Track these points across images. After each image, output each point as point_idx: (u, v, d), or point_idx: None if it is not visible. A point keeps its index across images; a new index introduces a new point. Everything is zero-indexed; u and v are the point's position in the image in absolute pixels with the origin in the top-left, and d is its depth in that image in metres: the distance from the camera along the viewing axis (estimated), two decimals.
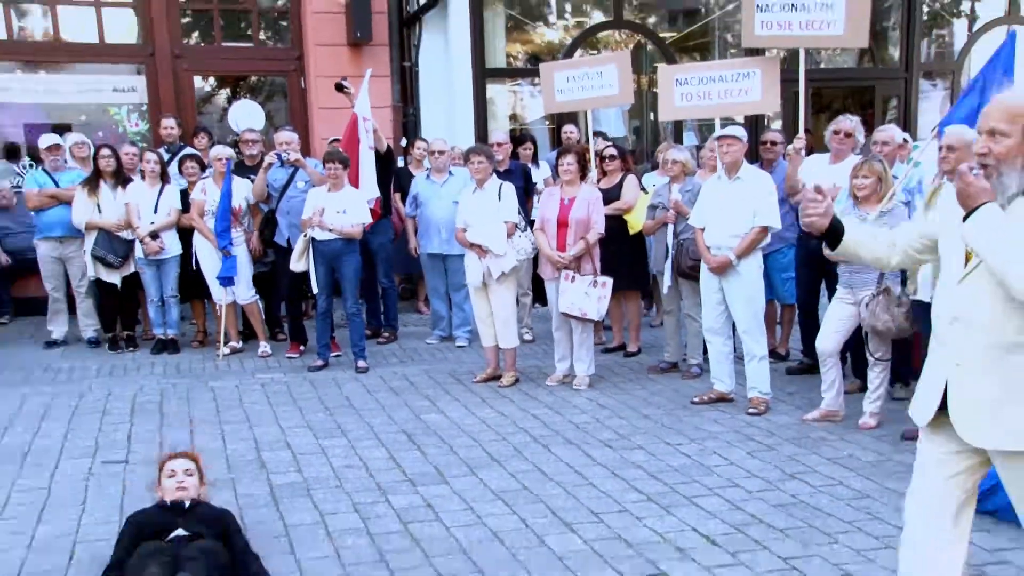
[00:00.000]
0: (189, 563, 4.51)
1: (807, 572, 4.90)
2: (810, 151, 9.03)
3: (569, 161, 8.59)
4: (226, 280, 9.92)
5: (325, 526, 5.63)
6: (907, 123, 14.12)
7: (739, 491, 6.04)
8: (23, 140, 12.69)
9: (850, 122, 8.49)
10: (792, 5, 8.69)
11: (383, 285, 10.79)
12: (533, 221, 9.08)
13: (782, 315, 9.48)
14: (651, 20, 14.28)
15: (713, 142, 8.23)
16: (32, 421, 7.91)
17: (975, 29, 15.54)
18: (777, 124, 13.41)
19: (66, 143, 11.04)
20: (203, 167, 10.36)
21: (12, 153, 12.57)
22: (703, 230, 7.87)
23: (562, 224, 8.52)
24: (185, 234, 10.20)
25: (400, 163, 11.39)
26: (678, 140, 13.07)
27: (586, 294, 8.37)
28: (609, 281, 8.43)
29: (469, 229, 8.73)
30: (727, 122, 9.27)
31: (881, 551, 5.13)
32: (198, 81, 13.38)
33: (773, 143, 9.25)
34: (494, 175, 8.93)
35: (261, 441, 7.30)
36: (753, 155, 9.59)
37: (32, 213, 10.72)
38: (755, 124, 12.48)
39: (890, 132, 8.45)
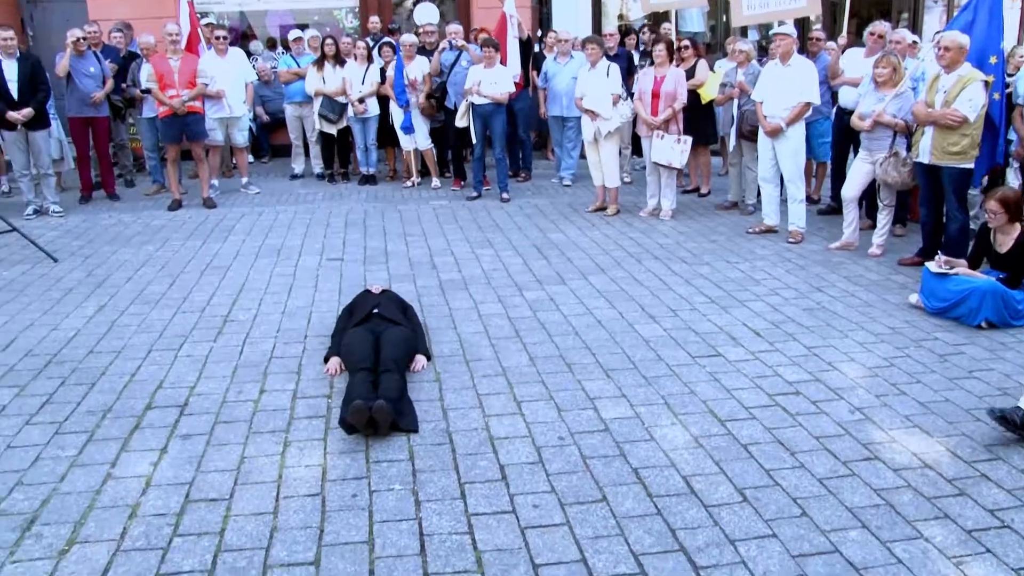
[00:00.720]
0: (385, 334, 4.51)
1: (823, 356, 4.71)
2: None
3: (660, 48, 8.10)
4: (407, 128, 9.72)
5: (477, 310, 5.58)
6: (915, 29, 12.99)
7: (778, 298, 5.77)
8: (278, 35, 12.46)
9: (883, 26, 7.77)
10: None
11: (521, 138, 10.47)
12: (633, 93, 8.62)
13: (817, 170, 8.94)
14: None
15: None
16: (282, 229, 7.98)
17: None
18: (819, 25, 12.44)
19: (305, 36, 10.90)
20: (395, 51, 10.07)
21: (271, 44, 12.41)
22: (762, 103, 7.36)
23: (655, 95, 8.07)
24: (383, 100, 9.97)
25: (536, 48, 10.89)
26: (744, 35, 12.30)
27: (671, 148, 7.98)
28: (689, 139, 8.01)
29: (584, 98, 8.34)
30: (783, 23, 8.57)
31: (879, 344, 4.89)
32: None
33: (817, 39, 8.53)
34: (604, 58, 8.47)
35: (433, 248, 7.23)
36: (802, 47, 8.89)
37: (283, 85, 10.63)
38: (804, 24, 11.59)
39: (902, 34, 7.81)
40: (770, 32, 7.55)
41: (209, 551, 2.97)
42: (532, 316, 5.43)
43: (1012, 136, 6.95)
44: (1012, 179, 7.16)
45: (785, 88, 7.14)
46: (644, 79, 8.27)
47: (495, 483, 3.38)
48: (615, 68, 8.40)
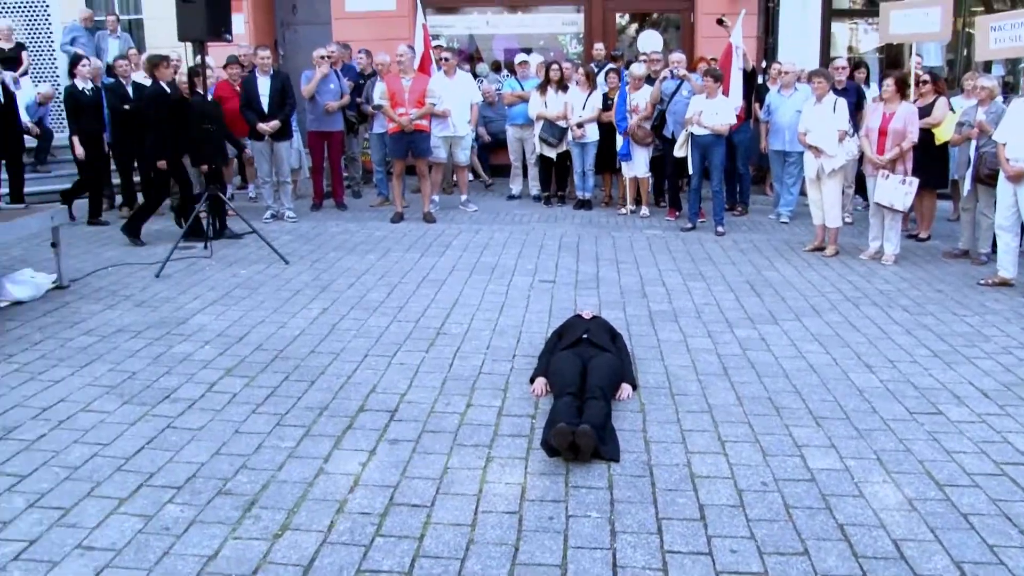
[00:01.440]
0: (594, 361, 4.60)
1: None
2: None
3: (889, 83, 7.72)
4: (624, 155, 9.82)
5: (686, 344, 5.56)
6: None
7: (1011, 358, 5.33)
8: (503, 58, 12.99)
9: None
10: None
11: (740, 171, 10.31)
12: (859, 129, 8.28)
13: None
14: None
15: None
16: (497, 248, 8.30)
17: None
18: None
19: (530, 60, 11.28)
20: (619, 78, 10.21)
21: (496, 67, 12.94)
22: (1005, 145, 6.85)
23: (882, 133, 7.71)
24: (604, 126, 10.10)
25: (759, 79, 10.69)
26: (987, 70, 11.47)
27: (895, 189, 7.57)
28: (915, 181, 7.57)
29: (809, 133, 8.09)
30: None
31: None
32: (618, 17, 13.07)
33: None
34: (831, 91, 8.20)
35: (644, 277, 7.26)
36: None
37: (506, 107, 11.04)
38: None
39: None
40: (1019, 67, 7.01)
41: (408, 554, 3.14)
42: (742, 354, 5.34)
43: None
44: None
45: None
46: (872, 115, 7.93)
47: (693, 522, 3.37)
48: (842, 103, 8.11)
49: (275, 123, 9.22)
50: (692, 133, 8.97)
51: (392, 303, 6.41)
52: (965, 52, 12.56)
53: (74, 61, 10.16)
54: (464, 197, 10.42)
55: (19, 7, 12.96)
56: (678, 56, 9.85)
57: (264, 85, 9.28)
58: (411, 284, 6.97)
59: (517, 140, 10.92)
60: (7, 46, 11.13)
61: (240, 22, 11.91)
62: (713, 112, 8.82)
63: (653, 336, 5.70)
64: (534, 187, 11.00)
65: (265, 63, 9.35)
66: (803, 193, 9.27)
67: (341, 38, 11.58)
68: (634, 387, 4.71)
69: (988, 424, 4.32)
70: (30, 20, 13.28)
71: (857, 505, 3.50)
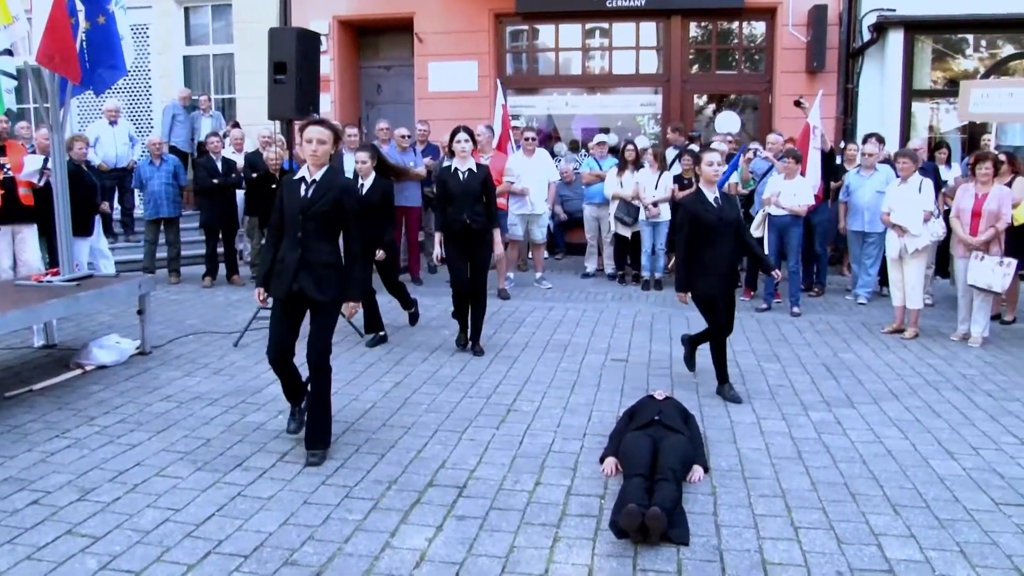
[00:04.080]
0: (665, 442, 4.58)
1: None
2: None
3: (987, 164, 7.70)
4: None
5: (759, 426, 5.50)
6: None
7: None
8: (580, 137, 13.26)
9: None
10: None
11: (817, 251, 10.21)
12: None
13: None
14: None
15: None
16: (571, 325, 8.37)
17: None
18: None
19: (609, 141, 11.51)
20: (694, 159, 10.31)
21: (574, 146, 13.20)
22: None
23: (975, 214, 7.69)
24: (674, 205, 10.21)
25: (838, 160, 10.66)
26: None
27: (992, 271, 7.49)
28: (1014, 262, 7.50)
29: (893, 213, 8.04)
30: None
31: None
32: (696, 98, 13.25)
33: None
34: (916, 172, 8.15)
35: None
36: None
37: (583, 186, 11.23)
38: None
39: None
40: None
41: None
42: (816, 438, 5.26)
43: None
44: None
45: None
46: (964, 196, 7.85)
47: None
48: (928, 183, 8.10)
49: None
50: (769, 213, 8.98)
51: (464, 379, 6.51)
52: None
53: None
54: (539, 274, 10.55)
55: (124, 88, 13.83)
56: (774, 137, 10.00)
57: (349, 162, 9.66)
58: (484, 360, 7.06)
59: (594, 219, 11.06)
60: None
61: (327, 101, 12.49)
62: (791, 193, 8.85)
63: (727, 418, 5.65)
64: (609, 265, 11.09)
65: (352, 141, 9.76)
66: (881, 276, 9.14)
67: (423, 117, 12.01)
68: (706, 470, 4.68)
69: None
70: (132, 99, 14.18)
71: None
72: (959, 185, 8.36)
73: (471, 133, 7.17)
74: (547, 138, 13.29)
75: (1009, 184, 8.32)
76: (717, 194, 5.99)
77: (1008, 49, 12.19)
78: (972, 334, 7.75)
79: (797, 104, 9.94)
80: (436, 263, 7.33)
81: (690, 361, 6.54)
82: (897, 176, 8.29)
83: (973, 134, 11.65)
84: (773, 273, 6.84)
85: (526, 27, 13.30)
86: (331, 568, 3.61)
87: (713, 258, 5.92)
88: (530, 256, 11.29)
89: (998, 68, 11.98)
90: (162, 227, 10.59)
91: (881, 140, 9.77)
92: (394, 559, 3.70)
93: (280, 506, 4.22)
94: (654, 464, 4.36)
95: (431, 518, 4.11)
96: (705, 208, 5.90)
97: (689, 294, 6.05)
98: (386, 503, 4.26)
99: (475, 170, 7.09)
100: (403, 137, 10.30)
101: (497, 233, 7.25)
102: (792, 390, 6.30)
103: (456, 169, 7.09)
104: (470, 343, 7.31)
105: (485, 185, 7.07)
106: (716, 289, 5.97)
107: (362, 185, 7.27)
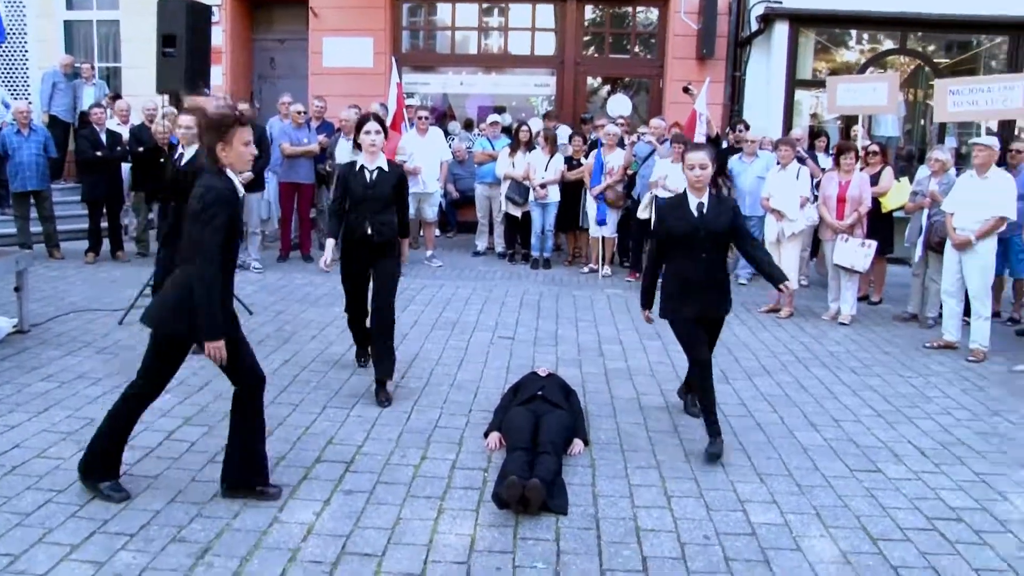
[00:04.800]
0: (547, 417, 4.75)
1: (993, 485, 4.53)
2: None
3: (850, 156, 8.25)
4: (601, 220, 10.10)
5: (639, 401, 5.74)
6: None
7: (950, 418, 5.58)
8: (476, 117, 13.36)
9: None
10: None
11: None
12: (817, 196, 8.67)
13: (1014, 286, 8.57)
14: (930, 48, 12.99)
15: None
16: (460, 303, 8.46)
17: None
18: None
19: (502, 121, 11.61)
20: (585, 141, 10.57)
21: (468, 125, 13.26)
22: (952, 215, 7.20)
23: (840, 200, 8.19)
24: (566, 186, 10.41)
25: (724, 145, 11.06)
26: (940, 141, 12.00)
27: (855, 251, 8.01)
28: (874, 243, 8.04)
29: (772, 198, 8.46)
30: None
31: (997, 477, 4.66)
32: (589, 80, 13.50)
33: (1018, 151, 8.24)
34: (795, 159, 8.59)
35: (602, 336, 7.44)
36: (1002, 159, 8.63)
37: (476, 165, 11.32)
38: (1006, 137, 11.20)
39: None
40: (970, 142, 7.41)
41: None
42: (693, 413, 5.51)
43: None
44: None
45: (979, 201, 6.97)
46: (829, 184, 8.32)
47: (636, 573, 3.51)
48: (805, 171, 8.54)
49: (248, 174, 9.37)
50: (656, 196, 9.25)
51: (353, 356, 6.52)
52: (923, 122, 13.13)
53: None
54: (430, 252, 10.61)
55: None
56: (657, 122, 10.26)
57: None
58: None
59: (485, 198, 11.17)
60: None
61: (218, 74, 12.17)
62: (678, 176, 9.13)
63: (607, 393, 5.87)
64: (499, 244, 11.23)
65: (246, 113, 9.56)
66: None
67: (317, 93, 11.85)
68: (586, 443, 4.86)
69: (923, 481, 4.53)
70: (8, 66, 13.50)
71: (794, 559, 3.66)
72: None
73: (383, 124, 5.79)
74: (441, 116, 13.31)
75: (878, 174, 8.86)
76: (704, 198, 4.88)
77: (888, 44, 12.88)
78: (841, 312, 8.24)
79: (686, 90, 10.29)
80: (324, 269, 5.96)
81: (693, 408, 5.42)
82: (777, 163, 8.68)
83: (849, 124, 12.28)
84: (782, 286, 5.31)
85: (423, 4, 13.26)
86: (219, 543, 3.63)
87: (688, 276, 4.90)
88: (421, 234, 11.32)
89: (875, 61, 12.64)
90: (32, 200, 10.14)
91: (747, 126, 10.38)
92: (282, 533, 3.74)
93: (167, 484, 4.18)
94: (536, 438, 4.52)
95: (319, 493, 4.15)
96: (679, 215, 4.89)
97: (650, 312, 5.27)
98: (275, 479, 4.26)
99: (386, 169, 5.71)
100: (299, 113, 10.16)
101: (406, 243, 6.12)
102: (671, 366, 6.57)
103: (362, 167, 5.69)
104: (375, 385, 5.65)
105: (398, 189, 5.76)
106: (690, 313, 4.93)
107: (181, 155, 6.71)
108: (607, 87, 13.77)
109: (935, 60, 12.87)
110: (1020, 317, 8.47)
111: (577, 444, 4.77)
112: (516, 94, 13.56)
